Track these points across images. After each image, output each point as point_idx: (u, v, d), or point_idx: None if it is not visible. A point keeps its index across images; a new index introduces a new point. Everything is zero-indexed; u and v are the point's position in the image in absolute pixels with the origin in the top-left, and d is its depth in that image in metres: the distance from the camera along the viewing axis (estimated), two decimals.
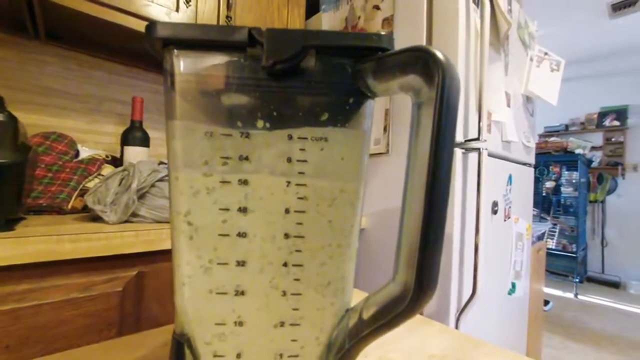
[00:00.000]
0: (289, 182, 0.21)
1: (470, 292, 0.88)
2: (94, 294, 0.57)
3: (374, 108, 0.22)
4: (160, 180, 0.70)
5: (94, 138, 1.03)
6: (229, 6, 1.00)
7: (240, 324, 0.22)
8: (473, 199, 0.90)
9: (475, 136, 0.89)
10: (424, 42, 0.93)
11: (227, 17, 1.00)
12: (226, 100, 0.21)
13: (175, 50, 0.20)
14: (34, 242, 0.49)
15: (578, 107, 3.85)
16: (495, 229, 1.03)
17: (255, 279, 0.21)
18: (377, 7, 1.06)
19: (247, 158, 0.21)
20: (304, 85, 0.21)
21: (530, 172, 1.31)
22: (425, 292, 0.18)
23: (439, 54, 0.16)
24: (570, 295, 3.12)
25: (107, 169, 0.89)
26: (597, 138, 3.73)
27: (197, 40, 0.20)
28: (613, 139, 3.64)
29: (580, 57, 3.35)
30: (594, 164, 3.70)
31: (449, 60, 0.16)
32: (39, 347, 0.51)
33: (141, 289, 0.63)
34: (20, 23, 0.85)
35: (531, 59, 1.21)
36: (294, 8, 1.19)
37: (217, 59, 0.20)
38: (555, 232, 3.34)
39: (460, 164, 0.89)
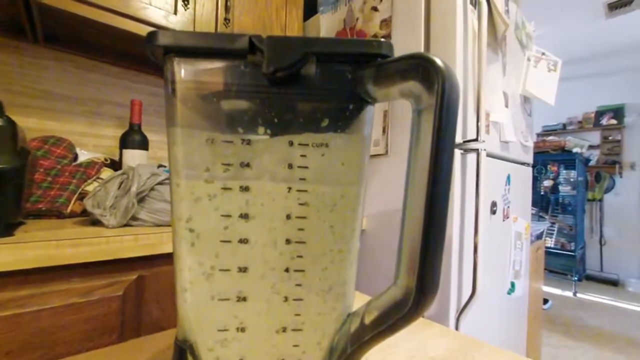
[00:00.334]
0: (290, 188, 0.21)
1: (470, 292, 0.88)
2: (94, 299, 0.56)
3: (374, 111, 0.23)
4: (160, 183, 0.70)
5: (93, 141, 1.03)
6: (227, 8, 1.00)
7: (243, 329, 0.22)
8: (472, 199, 0.90)
9: (474, 137, 0.89)
10: (422, 43, 0.94)
11: (225, 19, 1.00)
12: (227, 107, 0.21)
13: (176, 58, 0.20)
14: (33, 247, 0.49)
15: (575, 106, 3.86)
16: (494, 229, 1.03)
17: (257, 285, 0.22)
18: (375, 9, 1.06)
19: (248, 164, 0.21)
20: (305, 92, 0.21)
21: (528, 172, 1.32)
22: (427, 296, 0.18)
23: (439, 62, 0.17)
24: (569, 293, 3.13)
25: (106, 173, 0.89)
26: (595, 137, 3.75)
27: (197, 47, 0.20)
28: (610, 138, 3.66)
29: (577, 56, 3.37)
30: (592, 163, 3.71)
31: (448, 68, 0.17)
32: (39, 353, 0.51)
33: (141, 293, 0.62)
34: (19, 26, 0.85)
35: (528, 60, 1.22)
36: (292, 10, 1.19)
37: (218, 66, 0.20)
38: (553, 231, 3.35)
39: (459, 164, 0.89)
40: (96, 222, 0.66)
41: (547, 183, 3.38)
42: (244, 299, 0.21)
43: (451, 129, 0.17)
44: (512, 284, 1.15)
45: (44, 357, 0.51)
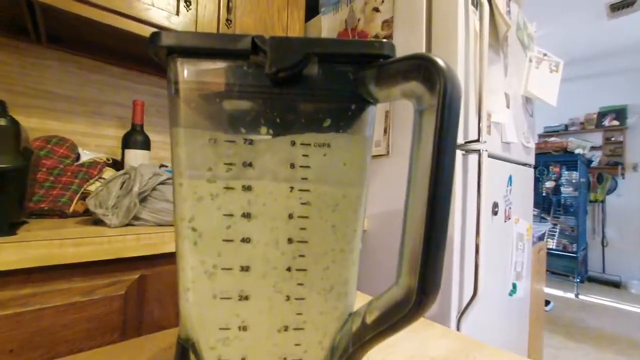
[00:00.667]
0: (292, 188, 0.21)
1: (472, 293, 0.88)
2: (96, 298, 0.57)
3: (375, 112, 0.23)
4: (162, 183, 0.70)
5: (95, 141, 1.04)
6: (229, 9, 1.00)
7: (245, 328, 0.22)
8: (473, 200, 0.90)
9: (475, 138, 0.89)
10: (423, 44, 0.94)
11: (227, 20, 1.00)
12: (229, 107, 0.21)
13: (179, 59, 0.20)
14: (36, 246, 0.49)
15: (577, 107, 3.85)
16: (495, 230, 1.03)
17: (259, 284, 0.22)
18: (376, 10, 1.06)
19: (250, 164, 0.21)
20: (307, 92, 0.21)
21: (530, 173, 1.32)
22: (428, 296, 0.18)
23: (441, 62, 0.17)
24: (571, 295, 3.12)
25: (108, 172, 0.89)
26: (597, 138, 3.74)
27: (200, 48, 0.20)
28: (612, 139, 3.65)
29: (580, 57, 3.36)
30: (594, 164, 3.70)
31: (450, 68, 0.17)
32: (41, 352, 0.51)
33: (143, 292, 0.63)
34: (22, 27, 0.86)
35: (530, 60, 1.22)
36: (293, 11, 1.20)
37: (221, 67, 0.20)
38: (555, 232, 3.34)
39: (460, 165, 0.89)
40: (98, 222, 0.66)
41: (549, 184, 3.37)
42: (246, 298, 0.22)
43: (453, 130, 0.17)
44: (514, 285, 1.15)
45: (46, 356, 0.52)
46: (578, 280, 3.13)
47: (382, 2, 1.04)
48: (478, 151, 0.89)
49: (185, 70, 0.20)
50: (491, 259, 1.00)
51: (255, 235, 0.21)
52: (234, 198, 0.21)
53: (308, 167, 0.21)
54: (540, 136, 3.96)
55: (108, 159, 0.94)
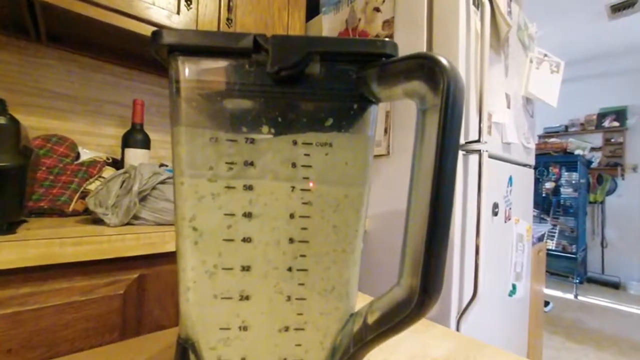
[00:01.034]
0: (293, 187, 0.21)
1: (472, 293, 0.88)
2: (96, 297, 0.56)
3: (377, 111, 0.23)
4: (162, 182, 0.70)
5: (95, 140, 1.04)
6: (229, 9, 1.00)
7: (245, 328, 0.22)
8: (474, 200, 0.90)
9: (476, 138, 0.89)
10: (424, 44, 0.94)
11: (228, 19, 1.00)
12: (231, 106, 0.21)
13: (181, 57, 0.20)
14: (35, 245, 0.49)
15: (577, 107, 3.85)
16: (495, 231, 1.03)
17: (259, 284, 0.22)
18: (377, 9, 1.06)
19: (252, 163, 0.21)
20: (309, 91, 0.21)
21: (530, 173, 1.32)
22: (430, 296, 0.18)
23: (444, 61, 0.17)
24: (570, 296, 3.12)
25: (108, 172, 0.89)
26: (597, 139, 3.73)
27: (202, 46, 0.20)
28: (612, 140, 3.64)
29: (580, 57, 3.36)
30: (594, 165, 3.70)
31: (454, 67, 0.17)
32: (41, 351, 0.51)
33: (143, 292, 0.63)
34: (22, 26, 0.85)
35: (531, 61, 1.22)
36: (294, 10, 1.20)
37: (222, 65, 0.20)
38: (555, 233, 3.34)
39: (461, 165, 0.89)
40: (98, 221, 0.66)
41: (549, 185, 3.37)
42: (247, 298, 0.21)
43: (456, 129, 0.17)
44: (514, 286, 1.15)
45: (45, 355, 0.51)
46: (577, 281, 3.13)
47: (383, 2, 1.04)
48: (479, 151, 0.89)
49: (187, 69, 0.20)
50: (491, 260, 1.00)
51: (256, 235, 0.21)
52: (235, 197, 0.21)
53: (310, 166, 0.21)
54: (540, 137, 3.96)
55: (108, 158, 0.94)
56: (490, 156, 0.95)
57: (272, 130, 0.21)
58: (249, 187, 0.21)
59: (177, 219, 0.21)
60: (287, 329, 0.22)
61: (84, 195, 0.79)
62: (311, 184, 0.21)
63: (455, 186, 0.17)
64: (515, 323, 1.21)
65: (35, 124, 0.92)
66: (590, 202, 3.62)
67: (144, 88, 1.13)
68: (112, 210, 0.64)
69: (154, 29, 0.20)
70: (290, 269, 0.22)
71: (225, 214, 0.21)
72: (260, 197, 0.21)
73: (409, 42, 0.96)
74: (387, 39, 0.20)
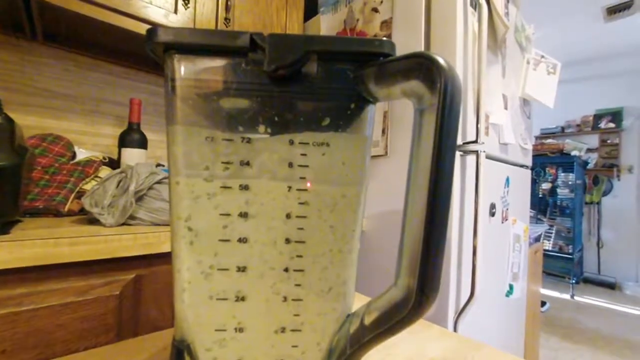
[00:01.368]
0: (290, 187, 0.21)
1: (469, 294, 0.88)
2: (92, 298, 0.56)
3: (375, 111, 0.23)
4: (158, 182, 0.69)
5: (92, 140, 1.03)
6: (227, 8, 1.00)
7: (241, 329, 0.21)
8: (471, 201, 0.90)
9: (473, 139, 0.89)
10: (422, 45, 0.94)
11: (226, 19, 1.00)
12: (227, 105, 0.21)
13: (177, 55, 0.20)
14: (30, 245, 0.48)
15: (574, 109, 3.88)
16: (493, 231, 1.03)
17: (256, 285, 0.21)
18: (375, 10, 1.06)
19: (248, 163, 0.21)
20: (306, 91, 0.21)
21: (527, 174, 1.32)
22: (428, 296, 0.18)
23: (442, 61, 0.17)
24: (566, 296, 3.14)
25: (105, 171, 0.88)
26: (593, 140, 3.76)
27: (198, 45, 0.20)
28: (608, 141, 3.67)
29: (576, 59, 3.38)
30: (590, 166, 3.72)
31: (451, 67, 0.17)
32: (36, 352, 0.51)
33: (139, 292, 0.62)
34: (18, 24, 0.85)
35: (528, 62, 1.22)
36: (292, 10, 1.19)
37: (219, 64, 0.20)
38: (551, 233, 3.35)
39: (458, 166, 0.89)
40: (94, 221, 0.65)
41: (546, 186, 3.39)
42: (243, 299, 0.21)
43: (453, 129, 0.17)
44: (511, 286, 1.15)
45: (41, 356, 0.51)
46: (574, 281, 3.15)
47: (381, 2, 1.04)
48: (476, 152, 0.89)
49: (183, 67, 0.20)
50: (488, 260, 1.00)
51: (252, 235, 0.21)
52: (231, 197, 0.21)
53: (306, 166, 0.21)
54: (536, 138, 3.98)
55: (104, 158, 0.94)
56: (488, 157, 0.95)
57: (269, 130, 0.21)
58: (245, 187, 0.21)
59: (172, 219, 0.21)
60: (283, 330, 0.22)
61: (80, 195, 0.79)
62: (308, 184, 0.21)
63: (452, 186, 0.17)
64: (512, 323, 1.22)
65: (31, 122, 0.92)
66: (586, 203, 3.64)
67: (141, 87, 1.13)
68: (108, 210, 0.64)
69: None
70: (286, 270, 0.21)
71: (221, 214, 0.21)
72: (256, 197, 0.21)
73: (406, 42, 0.96)
74: (385, 39, 0.20)
